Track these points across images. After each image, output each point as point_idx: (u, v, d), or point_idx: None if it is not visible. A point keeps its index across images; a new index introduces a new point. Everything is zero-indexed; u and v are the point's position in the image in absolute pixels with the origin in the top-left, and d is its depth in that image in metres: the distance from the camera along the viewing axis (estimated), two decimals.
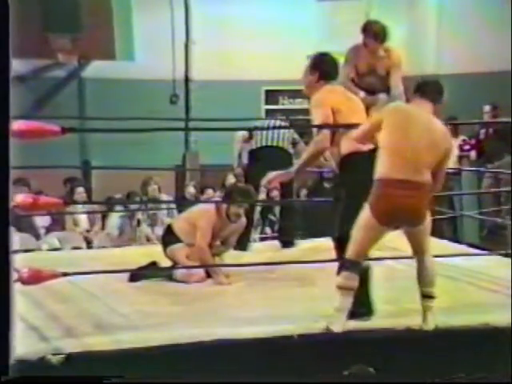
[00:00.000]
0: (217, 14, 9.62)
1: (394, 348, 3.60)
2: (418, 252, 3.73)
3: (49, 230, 7.10)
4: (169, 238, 4.90)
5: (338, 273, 3.66)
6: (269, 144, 5.66)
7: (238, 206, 4.75)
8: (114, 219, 7.17)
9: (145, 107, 8.35)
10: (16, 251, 3.10)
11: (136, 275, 4.67)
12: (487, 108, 8.37)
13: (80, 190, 7.49)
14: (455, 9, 9.85)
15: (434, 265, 3.75)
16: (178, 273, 4.75)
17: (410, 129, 3.59)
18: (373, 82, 5.14)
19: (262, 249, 5.77)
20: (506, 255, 4.84)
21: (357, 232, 3.63)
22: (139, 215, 7.25)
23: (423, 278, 3.72)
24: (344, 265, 3.65)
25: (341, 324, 3.60)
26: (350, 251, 3.64)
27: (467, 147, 8.68)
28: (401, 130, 3.59)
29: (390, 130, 3.60)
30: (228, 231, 4.92)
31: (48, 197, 3.76)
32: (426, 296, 3.72)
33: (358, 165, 3.78)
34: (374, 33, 5.25)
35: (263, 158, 5.54)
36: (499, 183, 7.91)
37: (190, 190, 8.08)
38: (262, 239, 7.07)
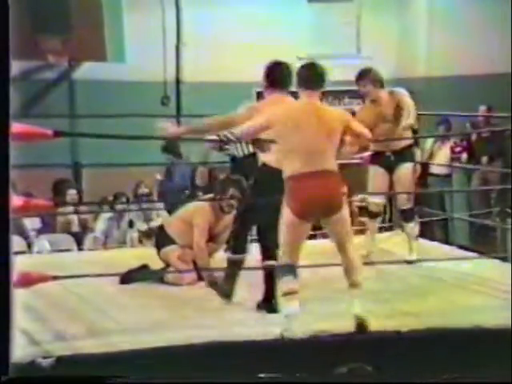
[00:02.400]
0: (207, 15, 9.61)
1: (384, 350, 3.60)
2: (340, 243, 3.74)
3: (39, 232, 7.08)
4: (162, 239, 4.87)
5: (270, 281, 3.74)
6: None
7: (231, 197, 4.73)
8: (101, 222, 7.14)
9: (136, 109, 8.32)
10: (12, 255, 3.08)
11: (127, 278, 4.65)
12: (482, 109, 8.39)
13: (72, 191, 7.47)
14: (447, 10, 9.87)
15: (357, 254, 3.81)
16: (170, 275, 4.74)
17: (299, 124, 3.67)
18: (387, 128, 5.12)
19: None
20: (503, 259, 4.88)
21: (282, 234, 3.70)
22: (130, 216, 7.24)
23: (349, 270, 3.74)
24: (280, 271, 3.70)
25: (294, 330, 3.62)
26: (282, 255, 3.71)
27: (458, 149, 8.71)
28: (292, 129, 3.67)
29: (281, 132, 3.69)
30: (221, 226, 4.86)
31: (38, 199, 3.74)
32: (353, 285, 3.74)
33: (272, 176, 3.86)
34: (373, 79, 5.25)
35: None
36: (488, 185, 7.94)
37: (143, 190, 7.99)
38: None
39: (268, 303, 4.06)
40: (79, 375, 3.12)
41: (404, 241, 5.28)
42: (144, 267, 4.81)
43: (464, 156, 8.55)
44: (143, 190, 7.55)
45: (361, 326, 3.66)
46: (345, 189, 3.82)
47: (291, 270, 3.68)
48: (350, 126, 3.79)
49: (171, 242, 4.81)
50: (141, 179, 7.64)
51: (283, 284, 3.68)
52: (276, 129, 3.71)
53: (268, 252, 4.06)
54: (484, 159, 8.27)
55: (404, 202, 5.23)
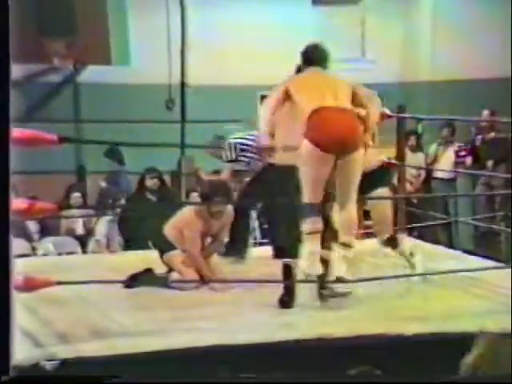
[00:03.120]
0: (212, 18, 9.62)
1: (387, 354, 3.60)
2: (343, 195, 3.76)
3: (43, 234, 7.08)
4: (163, 244, 4.87)
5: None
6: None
7: (217, 204, 4.69)
8: (102, 225, 7.13)
9: (140, 112, 8.34)
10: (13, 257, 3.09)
11: (131, 282, 4.64)
12: (485, 113, 8.38)
13: (76, 194, 7.48)
14: (451, 14, 9.86)
15: (355, 215, 3.82)
16: (173, 279, 4.73)
17: (312, 80, 3.93)
18: None
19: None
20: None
21: (304, 174, 3.72)
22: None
23: (344, 228, 3.77)
24: (305, 211, 3.71)
25: (317, 267, 3.68)
26: (306, 195, 3.71)
27: (463, 153, 8.69)
28: (306, 83, 3.91)
29: (296, 88, 3.87)
30: (217, 227, 4.83)
31: (43, 202, 3.74)
32: (344, 245, 3.77)
33: (280, 176, 3.92)
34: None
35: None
36: (492, 190, 7.92)
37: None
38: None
39: (287, 300, 4.04)
40: (77, 375, 3.12)
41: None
42: (148, 271, 4.81)
43: (468, 160, 8.53)
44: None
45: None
46: (361, 130, 3.85)
47: (314, 209, 3.69)
48: (356, 93, 3.92)
49: (172, 246, 4.80)
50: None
51: (307, 224, 3.70)
52: (291, 89, 3.86)
53: (282, 252, 4.03)
54: (489, 164, 8.24)
55: (382, 231, 4.62)
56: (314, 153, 3.67)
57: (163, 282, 4.72)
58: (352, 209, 3.77)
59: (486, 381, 2.00)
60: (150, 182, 7.08)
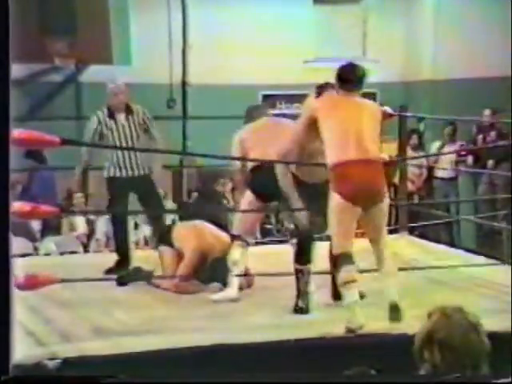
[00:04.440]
0: (213, 17, 9.62)
1: (391, 353, 3.60)
2: (374, 236, 3.81)
3: (45, 234, 7.08)
4: (165, 236, 4.83)
5: (334, 270, 3.76)
6: None
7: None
8: (101, 224, 7.12)
9: None
10: (12, 256, 3.09)
11: (122, 280, 4.65)
12: (487, 112, 8.37)
13: (78, 195, 7.47)
14: (453, 13, 9.85)
15: (388, 245, 3.85)
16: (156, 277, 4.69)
17: (342, 114, 3.79)
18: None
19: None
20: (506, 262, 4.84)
21: (334, 225, 3.76)
22: (137, 218, 7.23)
23: (380, 259, 3.79)
24: (338, 261, 3.73)
25: (358, 320, 3.67)
26: (337, 245, 3.75)
27: (464, 153, 8.68)
28: (335, 117, 3.79)
29: (325, 121, 3.78)
30: (218, 252, 4.66)
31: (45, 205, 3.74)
32: (385, 274, 3.78)
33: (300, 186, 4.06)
34: None
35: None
36: (495, 189, 7.92)
37: None
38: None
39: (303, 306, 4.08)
40: (76, 375, 3.12)
41: (410, 243, 5.27)
42: (137, 269, 4.79)
43: (470, 159, 8.53)
44: None
45: (394, 311, 3.71)
46: (384, 180, 3.85)
47: (349, 258, 3.72)
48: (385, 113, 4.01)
49: (171, 242, 4.76)
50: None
51: (343, 273, 3.71)
52: (319, 116, 3.80)
53: (298, 257, 4.12)
54: (490, 163, 8.24)
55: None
56: (344, 206, 3.71)
57: (149, 277, 4.69)
58: (382, 242, 3.82)
59: (486, 381, 2.02)
60: None
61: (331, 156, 3.74)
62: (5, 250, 2.75)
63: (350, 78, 3.87)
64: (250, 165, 4.45)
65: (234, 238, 4.48)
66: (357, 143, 3.73)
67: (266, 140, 4.33)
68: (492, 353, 2.02)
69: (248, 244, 4.47)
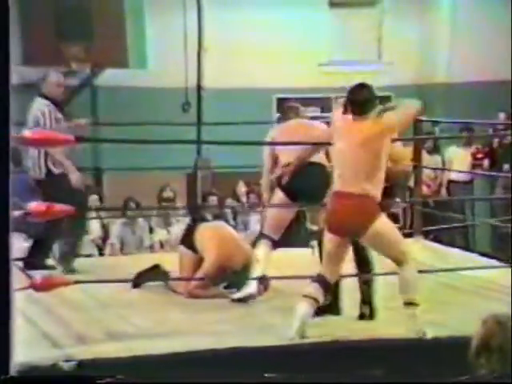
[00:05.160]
0: (229, 21, 9.64)
1: (403, 357, 3.59)
2: (393, 260, 3.77)
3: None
4: (187, 238, 4.77)
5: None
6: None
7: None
8: (115, 228, 7.13)
9: (157, 115, 8.37)
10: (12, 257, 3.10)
11: (138, 281, 4.63)
12: (502, 116, 8.33)
13: (93, 197, 7.50)
14: (468, 16, 9.82)
15: (414, 272, 3.76)
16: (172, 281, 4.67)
17: (341, 144, 3.77)
18: None
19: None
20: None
21: (323, 244, 3.84)
22: (151, 222, 7.24)
23: (402, 287, 3.74)
24: (314, 278, 3.78)
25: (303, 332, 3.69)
26: (322, 266, 3.81)
27: (480, 156, 8.65)
28: (336, 145, 3.81)
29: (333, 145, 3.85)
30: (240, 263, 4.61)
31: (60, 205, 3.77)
32: (408, 303, 3.72)
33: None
34: None
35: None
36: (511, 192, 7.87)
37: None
38: None
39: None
40: (76, 375, 3.14)
41: (425, 247, 5.25)
42: (155, 267, 4.76)
43: (485, 163, 8.49)
44: (168, 193, 7.50)
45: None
46: (374, 211, 3.72)
47: (322, 281, 3.74)
48: (394, 130, 3.85)
49: (192, 245, 4.72)
50: (167, 182, 7.62)
51: (309, 287, 3.75)
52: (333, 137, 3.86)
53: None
54: (506, 166, 8.20)
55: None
56: (325, 232, 3.79)
57: (167, 278, 4.67)
58: (404, 267, 3.74)
59: (486, 381, 2.05)
60: None
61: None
62: (5, 251, 2.77)
63: (354, 100, 3.77)
64: (281, 163, 4.42)
65: (261, 236, 4.49)
66: (343, 174, 3.73)
67: (296, 140, 4.38)
68: None
69: (274, 242, 4.47)
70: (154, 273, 4.73)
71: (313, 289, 3.72)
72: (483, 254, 5.95)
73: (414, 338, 3.68)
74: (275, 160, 4.49)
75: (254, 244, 4.55)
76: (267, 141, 4.57)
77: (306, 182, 4.28)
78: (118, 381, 2.53)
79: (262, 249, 4.42)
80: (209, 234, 4.74)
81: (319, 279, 3.74)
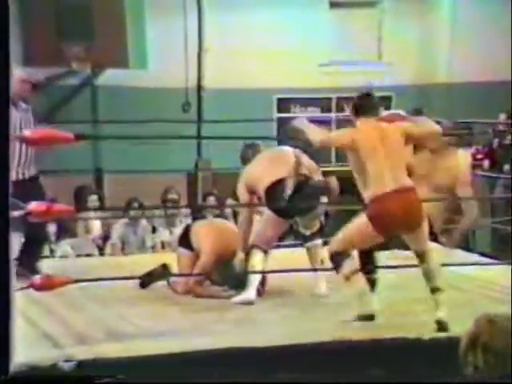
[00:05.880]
0: (229, 21, 9.65)
1: (406, 357, 3.59)
2: (420, 255, 3.86)
3: (59, 236, 7.11)
4: (184, 238, 4.78)
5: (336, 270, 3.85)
6: None
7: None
8: (117, 228, 7.14)
9: (157, 115, 8.38)
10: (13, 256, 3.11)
11: (146, 281, 4.64)
12: (502, 117, 8.33)
13: (93, 197, 7.50)
14: (468, 16, 9.83)
15: (436, 261, 3.88)
16: (172, 279, 4.66)
17: (371, 146, 3.80)
18: None
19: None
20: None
21: (351, 233, 3.85)
22: (151, 221, 7.24)
23: (428, 277, 3.85)
24: (339, 259, 3.84)
25: (372, 306, 3.83)
26: (340, 245, 3.84)
27: (480, 156, 8.65)
28: (366, 150, 3.80)
29: (356, 155, 3.81)
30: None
31: (60, 204, 3.78)
32: (434, 290, 3.84)
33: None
34: None
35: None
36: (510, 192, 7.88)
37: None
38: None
39: None
40: (76, 375, 3.15)
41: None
42: (163, 266, 4.77)
43: (486, 163, 8.50)
44: (173, 195, 7.49)
45: (442, 331, 3.75)
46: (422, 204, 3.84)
47: (347, 256, 3.83)
48: (409, 133, 3.88)
49: (190, 245, 4.72)
50: (172, 184, 7.62)
51: (344, 269, 3.81)
52: (356, 153, 3.83)
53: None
54: (506, 167, 8.21)
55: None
56: (372, 232, 3.79)
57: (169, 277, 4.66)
58: (430, 258, 3.85)
59: (486, 381, 2.06)
60: None
61: (366, 192, 3.80)
62: (5, 251, 2.77)
63: (368, 106, 3.91)
64: (264, 186, 4.47)
65: (253, 246, 4.51)
66: (386, 175, 3.77)
67: (268, 165, 4.50)
68: None
69: (266, 252, 4.50)
70: (162, 272, 4.73)
71: (348, 266, 3.81)
72: (483, 255, 5.95)
73: (414, 337, 3.69)
74: (251, 191, 4.54)
75: (247, 253, 4.56)
76: (243, 181, 4.58)
77: (295, 199, 4.33)
78: (118, 381, 2.53)
79: (256, 256, 4.45)
80: (204, 229, 4.79)
81: (345, 256, 3.81)
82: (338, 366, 3.46)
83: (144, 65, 9.33)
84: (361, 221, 3.81)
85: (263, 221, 4.56)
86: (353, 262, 3.87)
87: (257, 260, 4.44)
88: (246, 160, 4.75)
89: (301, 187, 4.43)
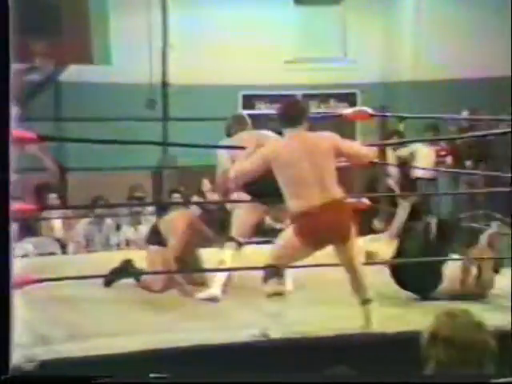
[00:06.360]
0: (194, 17, 9.61)
1: (369, 352, 3.61)
2: (349, 267, 3.80)
3: (21, 235, 7.03)
4: (153, 235, 4.79)
5: (265, 281, 3.74)
6: None
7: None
8: (81, 227, 7.08)
9: (122, 111, 8.31)
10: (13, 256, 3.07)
11: (110, 279, 4.60)
12: (465, 113, 8.43)
13: (52, 196, 7.44)
14: (432, 14, 9.91)
15: (365, 273, 3.83)
16: (142, 279, 4.63)
17: (291, 159, 3.68)
18: None
19: None
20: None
21: (280, 247, 3.74)
22: (113, 220, 7.19)
23: (358, 289, 3.81)
24: (269, 273, 3.72)
25: (279, 330, 3.65)
26: (272, 260, 3.72)
27: (443, 153, 8.75)
28: (285, 165, 3.69)
29: (280, 168, 3.70)
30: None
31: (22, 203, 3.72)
32: (365, 302, 3.81)
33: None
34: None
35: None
36: (473, 188, 7.97)
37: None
38: None
39: None
40: (75, 375, 3.11)
41: (387, 243, 5.28)
42: (127, 262, 4.72)
43: (449, 160, 8.59)
44: (138, 193, 7.43)
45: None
46: (352, 216, 3.76)
47: (279, 272, 3.71)
48: (339, 148, 3.76)
49: (161, 241, 4.70)
50: (137, 182, 7.56)
51: (269, 285, 3.70)
52: (273, 165, 3.73)
53: None
54: (468, 163, 8.32)
55: None
56: (300, 246, 3.69)
57: (139, 275, 4.64)
58: (358, 270, 3.79)
59: (486, 381, 2.10)
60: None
61: (291, 204, 3.68)
62: (5, 251, 2.74)
63: (293, 114, 3.79)
64: None
65: (228, 239, 4.49)
66: (312, 188, 3.64)
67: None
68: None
69: (241, 245, 4.48)
70: (126, 269, 4.67)
71: (273, 285, 3.70)
72: None
73: (378, 332, 3.71)
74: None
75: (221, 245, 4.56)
76: (222, 152, 4.55)
77: (271, 185, 4.30)
78: (117, 381, 2.51)
79: (228, 250, 4.44)
80: (172, 217, 4.80)
81: (276, 272, 3.71)
82: (299, 363, 3.46)
83: (108, 60, 9.25)
84: (287, 235, 3.72)
85: (239, 212, 4.53)
86: (280, 282, 3.70)
87: (227, 255, 4.41)
88: (231, 132, 4.69)
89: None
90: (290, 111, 3.81)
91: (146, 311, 4.20)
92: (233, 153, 4.47)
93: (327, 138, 3.79)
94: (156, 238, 4.74)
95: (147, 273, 4.67)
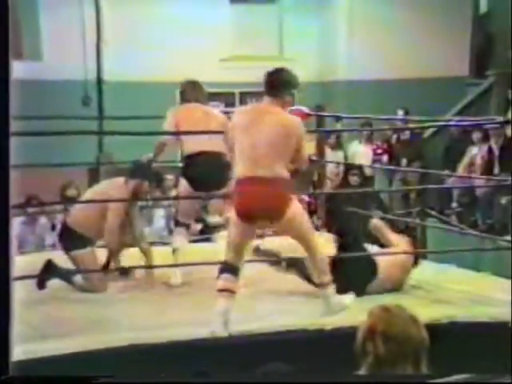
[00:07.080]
0: (129, 14, 9.48)
1: (307, 347, 3.61)
2: (303, 245, 3.78)
3: None
4: (71, 239, 4.57)
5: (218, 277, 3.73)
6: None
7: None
8: (14, 227, 6.86)
9: (56, 109, 8.12)
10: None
11: (42, 281, 4.46)
12: (400, 113, 8.59)
13: None
14: (366, 14, 10.04)
15: (323, 255, 3.83)
16: (81, 280, 4.50)
17: (252, 128, 3.65)
18: None
19: None
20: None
21: (228, 233, 3.77)
22: (47, 219, 7.02)
23: (314, 270, 3.81)
24: (221, 268, 3.71)
25: (222, 328, 3.61)
26: (226, 253, 3.72)
27: (379, 151, 8.90)
28: (244, 131, 3.67)
29: (236, 132, 3.72)
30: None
31: None
32: (321, 285, 3.82)
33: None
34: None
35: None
36: (407, 186, 8.13)
37: None
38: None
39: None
40: (76, 375, 3.02)
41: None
42: (48, 263, 4.53)
43: (385, 158, 8.74)
44: (72, 191, 7.22)
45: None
46: (288, 195, 3.69)
47: (231, 269, 3.67)
48: (298, 143, 3.70)
49: (83, 241, 4.55)
50: (71, 180, 7.37)
51: (220, 281, 3.67)
52: (232, 131, 3.76)
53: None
54: (403, 161, 8.48)
55: None
56: (236, 220, 3.67)
57: (70, 275, 4.52)
58: (314, 252, 3.76)
59: (486, 381, 2.11)
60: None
61: (235, 171, 3.73)
62: (5, 250, 2.63)
63: (266, 82, 3.78)
64: (185, 152, 4.51)
65: (176, 223, 4.70)
66: (252, 161, 3.61)
67: (198, 125, 4.45)
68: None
69: (188, 228, 4.70)
70: (50, 270, 4.52)
71: (225, 281, 3.67)
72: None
73: (317, 328, 3.72)
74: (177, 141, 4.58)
75: (170, 231, 4.67)
76: (168, 119, 4.63)
77: (207, 171, 4.39)
78: (117, 381, 2.44)
79: (179, 239, 4.59)
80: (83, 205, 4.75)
81: (228, 268, 3.68)
82: (239, 361, 3.43)
83: (39, 56, 9.04)
84: (230, 215, 3.79)
85: (180, 191, 4.68)
86: (231, 277, 3.64)
87: (177, 242, 4.58)
88: (185, 98, 4.80)
89: (216, 162, 4.40)
90: (270, 79, 3.79)
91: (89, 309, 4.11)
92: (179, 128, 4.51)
93: (295, 126, 3.71)
94: (76, 238, 4.57)
95: (78, 271, 4.54)
